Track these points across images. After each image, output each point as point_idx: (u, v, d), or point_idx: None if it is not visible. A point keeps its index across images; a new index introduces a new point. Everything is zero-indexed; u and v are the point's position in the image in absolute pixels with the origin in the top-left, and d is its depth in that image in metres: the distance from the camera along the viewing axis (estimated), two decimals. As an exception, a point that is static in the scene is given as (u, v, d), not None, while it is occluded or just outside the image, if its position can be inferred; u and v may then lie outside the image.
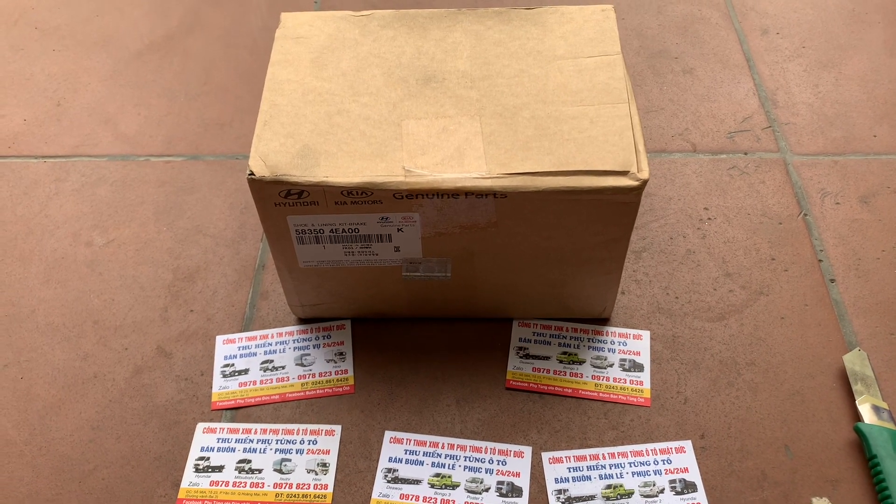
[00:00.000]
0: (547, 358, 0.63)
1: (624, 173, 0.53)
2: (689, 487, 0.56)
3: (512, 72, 0.58)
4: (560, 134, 0.54)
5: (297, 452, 0.58)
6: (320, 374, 0.62)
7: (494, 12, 0.62)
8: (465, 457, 0.58)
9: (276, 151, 0.54)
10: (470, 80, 0.58)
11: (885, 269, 0.68)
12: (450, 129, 0.55)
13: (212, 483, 0.57)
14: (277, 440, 0.59)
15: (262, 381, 0.62)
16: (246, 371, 0.63)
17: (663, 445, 0.58)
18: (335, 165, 0.53)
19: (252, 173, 0.53)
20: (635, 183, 0.52)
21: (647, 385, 0.61)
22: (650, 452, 0.58)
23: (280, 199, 0.54)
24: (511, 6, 0.62)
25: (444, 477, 0.57)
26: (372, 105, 0.56)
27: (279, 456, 0.58)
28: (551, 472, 0.57)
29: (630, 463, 0.57)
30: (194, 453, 0.59)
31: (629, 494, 0.56)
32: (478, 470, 0.57)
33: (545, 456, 0.58)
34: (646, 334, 0.64)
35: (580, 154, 0.53)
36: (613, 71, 0.58)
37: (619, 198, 0.53)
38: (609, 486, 0.56)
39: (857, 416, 0.59)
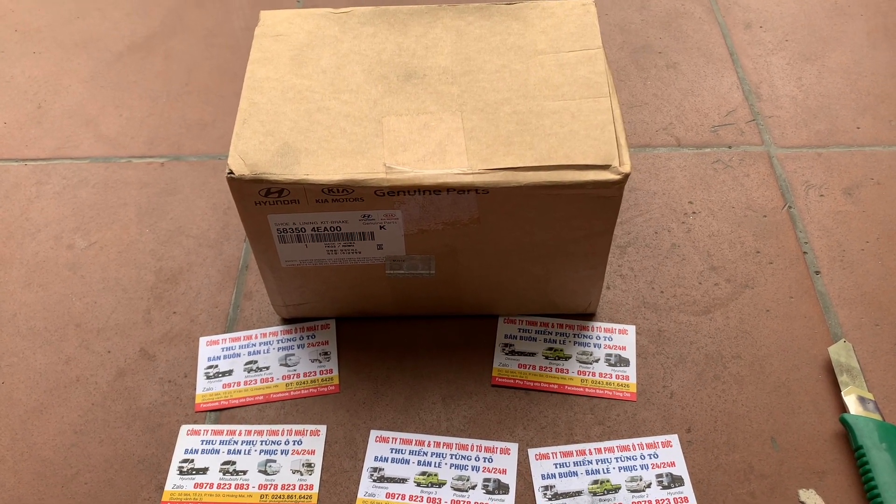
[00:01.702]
0: (532, 354, 0.62)
1: (606, 167, 0.52)
2: (675, 481, 0.56)
3: (493, 67, 0.58)
4: (542, 129, 0.54)
5: (281, 453, 0.58)
6: (305, 374, 0.62)
7: (475, 8, 0.62)
8: (452, 454, 0.57)
9: (255, 150, 0.53)
10: (451, 75, 0.57)
11: (870, 261, 0.68)
12: (431, 125, 0.55)
13: (196, 485, 0.57)
14: (262, 441, 0.59)
15: (246, 382, 0.62)
16: (230, 372, 0.62)
17: (650, 440, 0.58)
18: (315, 163, 0.53)
19: (231, 172, 0.52)
20: (617, 177, 0.52)
21: (632, 380, 0.61)
22: (636, 447, 0.57)
23: (260, 198, 0.53)
24: (492, 2, 0.62)
25: (430, 475, 0.57)
26: (352, 102, 0.56)
27: (264, 457, 0.58)
28: (538, 468, 0.57)
29: (616, 458, 0.57)
30: (178, 455, 0.58)
31: (616, 489, 0.56)
32: (464, 468, 0.57)
33: (532, 452, 0.57)
34: (631, 329, 0.64)
35: (562, 148, 0.53)
36: (594, 65, 0.58)
37: (601, 192, 0.53)
38: (596, 482, 0.56)
39: (843, 408, 0.59)
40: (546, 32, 0.60)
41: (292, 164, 0.53)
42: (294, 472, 0.57)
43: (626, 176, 0.52)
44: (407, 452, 0.58)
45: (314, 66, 0.58)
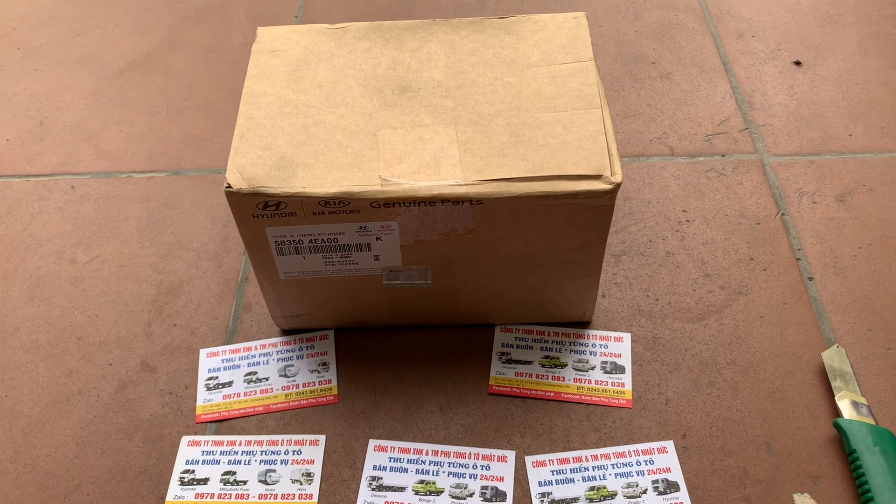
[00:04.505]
0: (529, 362, 0.63)
1: (597, 177, 0.53)
2: (671, 487, 0.56)
3: (486, 80, 0.59)
4: (534, 140, 0.55)
5: (281, 463, 0.59)
6: (304, 385, 0.63)
7: (469, 22, 0.63)
8: (449, 463, 0.58)
9: (253, 164, 0.54)
10: (445, 89, 0.58)
11: (862, 266, 0.69)
12: (426, 137, 0.56)
13: (197, 496, 0.57)
14: (262, 451, 0.59)
15: (246, 393, 0.63)
16: (230, 383, 0.63)
17: (645, 446, 0.58)
18: (312, 176, 0.54)
19: (229, 186, 0.53)
20: (609, 186, 0.53)
21: (628, 387, 0.62)
22: (632, 453, 0.58)
23: (258, 211, 0.54)
24: (485, 16, 0.63)
25: (428, 483, 0.57)
26: (348, 116, 0.57)
27: (264, 467, 0.58)
28: (535, 475, 0.57)
29: (613, 464, 0.58)
30: (179, 466, 0.59)
31: (612, 496, 0.56)
32: (462, 475, 0.57)
33: (528, 460, 0.58)
34: (626, 336, 0.64)
35: (554, 159, 0.54)
36: (586, 77, 0.59)
37: (593, 201, 0.54)
38: (592, 488, 0.57)
39: (837, 412, 0.59)
40: (538, 45, 0.61)
41: (289, 177, 0.54)
42: (294, 481, 0.58)
43: (618, 185, 0.53)
44: (405, 461, 0.58)
45: (310, 80, 0.59)
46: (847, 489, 0.56)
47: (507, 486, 0.57)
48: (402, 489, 0.57)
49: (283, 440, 0.60)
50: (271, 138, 0.56)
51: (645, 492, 0.56)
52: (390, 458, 0.58)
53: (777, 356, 0.63)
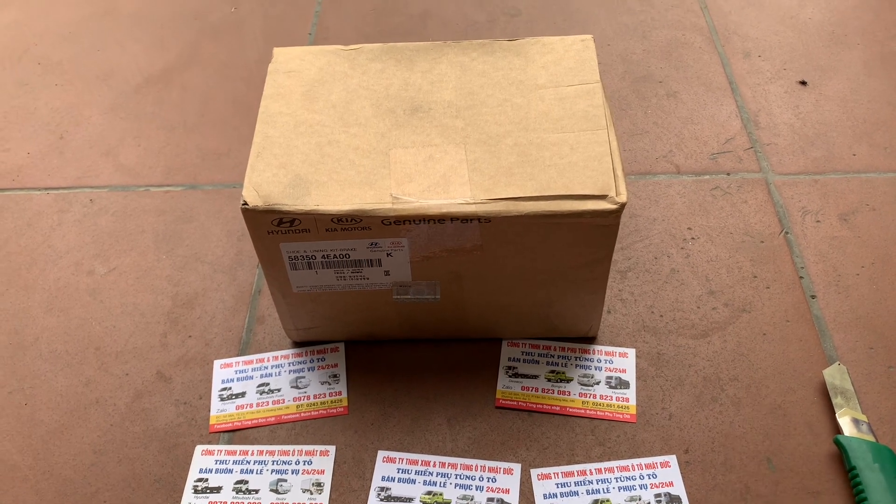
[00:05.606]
0: (535, 377, 0.64)
1: (603, 197, 0.55)
2: (674, 501, 0.58)
3: (495, 101, 0.60)
4: (542, 160, 0.57)
5: (292, 473, 0.60)
6: (315, 396, 0.64)
7: (479, 44, 0.64)
8: (456, 475, 0.59)
9: (268, 182, 0.56)
10: (455, 109, 0.60)
11: (865, 285, 0.70)
12: (436, 157, 0.57)
13: (210, 503, 0.59)
14: (273, 461, 0.61)
15: (258, 404, 0.64)
16: (243, 394, 0.65)
17: (649, 460, 0.60)
18: (326, 194, 0.55)
19: (245, 203, 0.55)
20: (614, 206, 0.54)
21: (632, 401, 0.63)
22: (636, 467, 0.59)
23: (273, 228, 0.56)
24: (494, 38, 0.65)
25: (435, 494, 0.58)
26: (361, 135, 0.59)
27: (275, 476, 0.60)
28: (540, 488, 0.59)
29: (616, 478, 0.59)
30: (193, 475, 0.60)
31: (616, 509, 0.57)
32: (468, 487, 0.59)
33: (534, 472, 0.59)
34: (631, 352, 0.66)
35: (561, 179, 0.56)
36: (593, 99, 0.60)
37: (598, 221, 0.55)
38: (596, 501, 0.58)
39: (838, 429, 0.60)
40: (546, 67, 0.62)
41: (303, 195, 0.55)
42: (304, 491, 0.59)
43: (623, 205, 0.54)
44: (413, 472, 0.60)
45: (325, 101, 0.61)
46: (847, 505, 0.57)
47: (513, 499, 0.58)
48: (409, 500, 0.58)
49: (294, 450, 0.61)
50: (286, 157, 0.57)
51: (648, 505, 0.57)
52: (398, 470, 0.60)
53: (779, 373, 0.64)
